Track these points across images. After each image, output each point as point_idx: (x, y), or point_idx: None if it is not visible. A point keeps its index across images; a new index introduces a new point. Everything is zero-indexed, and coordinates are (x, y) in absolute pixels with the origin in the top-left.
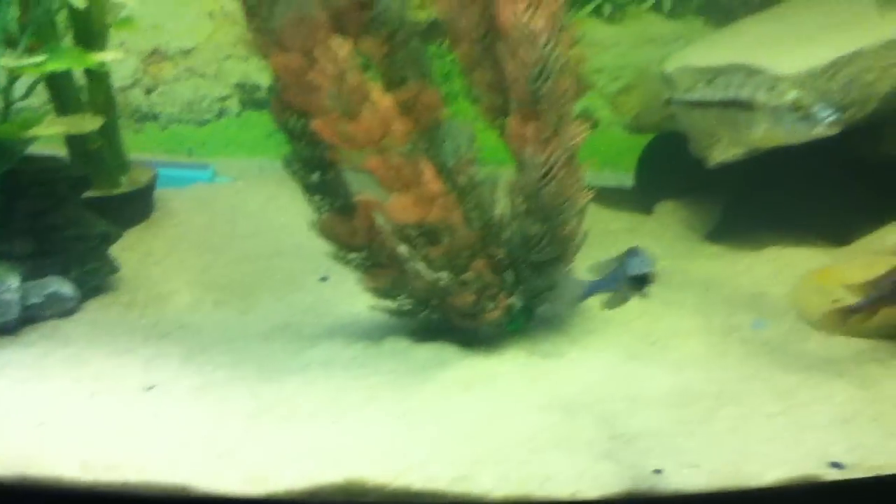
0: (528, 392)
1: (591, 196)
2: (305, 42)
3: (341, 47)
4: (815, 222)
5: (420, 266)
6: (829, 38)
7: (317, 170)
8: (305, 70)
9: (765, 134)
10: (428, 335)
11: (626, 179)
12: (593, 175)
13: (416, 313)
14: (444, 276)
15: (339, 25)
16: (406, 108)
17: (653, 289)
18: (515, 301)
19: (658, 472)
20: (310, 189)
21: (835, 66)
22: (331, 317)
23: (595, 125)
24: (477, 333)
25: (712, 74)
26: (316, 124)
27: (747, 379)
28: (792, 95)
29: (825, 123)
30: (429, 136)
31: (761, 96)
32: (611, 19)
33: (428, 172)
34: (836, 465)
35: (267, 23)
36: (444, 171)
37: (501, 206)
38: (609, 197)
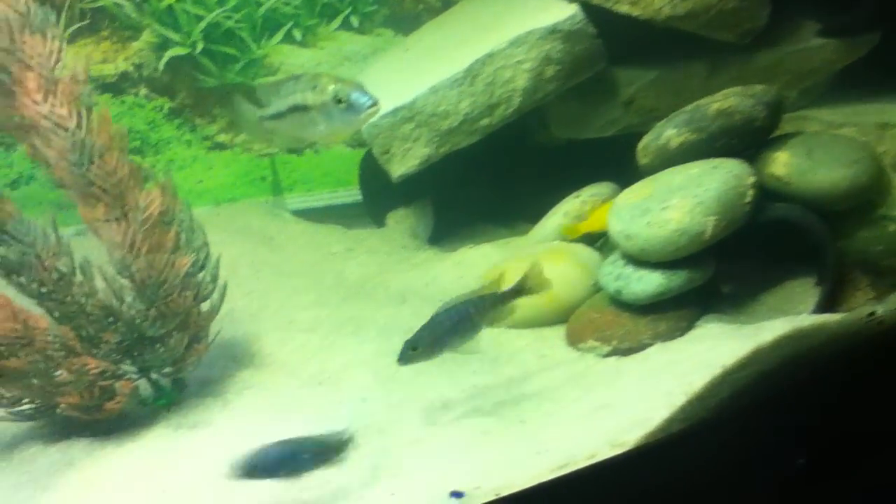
0: (156, 479)
1: (189, 262)
2: None
3: None
4: (509, 212)
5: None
6: (474, 41)
7: None
8: None
9: (326, 130)
10: (63, 433)
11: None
12: (329, 195)
13: (45, 414)
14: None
15: None
16: None
17: (347, 312)
18: (157, 377)
19: None
20: None
21: (471, 71)
22: None
23: (316, 149)
24: (125, 417)
25: (277, 87)
26: None
27: (403, 403)
28: (331, 90)
29: (367, 109)
30: None
31: (310, 97)
32: (304, 43)
33: None
34: (456, 494)
35: None
36: (24, 272)
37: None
38: (342, 215)
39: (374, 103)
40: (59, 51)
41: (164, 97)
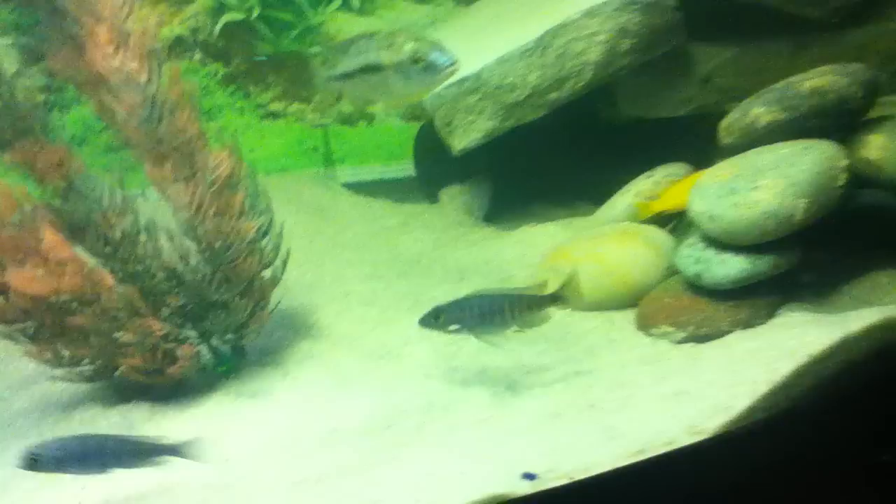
0: (215, 447)
1: (255, 227)
2: None
3: None
4: (568, 191)
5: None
6: (544, 11)
7: None
8: None
9: (402, 89)
10: (122, 396)
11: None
12: (381, 169)
13: (103, 376)
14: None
15: None
16: (30, 169)
17: (404, 287)
18: (218, 343)
19: None
20: None
21: (542, 42)
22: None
23: (371, 119)
24: (185, 383)
25: (347, 45)
26: None
27: (468, 382)
28: (409, 48)
29: (446, 69)
30: (63, 195)
31: (385, 56)
32: (362, 11)
33: (51, 239)
34: (528, 476)
35: None
36: (90, 229)
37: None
38: (394, 190)
39: (453, 63)
40: (132, 2)
41: (219, 62)
